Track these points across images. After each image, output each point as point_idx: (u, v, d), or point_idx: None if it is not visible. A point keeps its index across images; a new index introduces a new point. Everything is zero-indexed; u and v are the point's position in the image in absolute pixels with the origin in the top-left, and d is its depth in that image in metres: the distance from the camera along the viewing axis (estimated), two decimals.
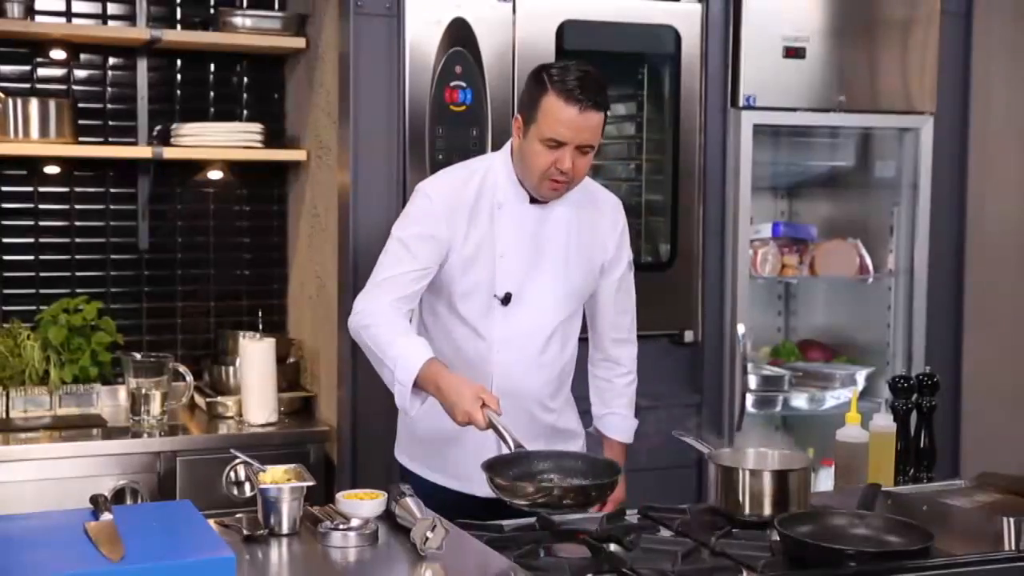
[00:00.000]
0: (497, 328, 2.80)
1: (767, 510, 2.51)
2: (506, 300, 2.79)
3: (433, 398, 2.61)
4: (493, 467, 2.44)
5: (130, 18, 3.96)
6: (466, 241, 2.77)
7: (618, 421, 3.04)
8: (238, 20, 3.86)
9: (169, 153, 3.82)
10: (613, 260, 2.94)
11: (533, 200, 2.81)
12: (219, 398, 3.79)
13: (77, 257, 3.99)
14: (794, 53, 3.96)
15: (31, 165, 3.91)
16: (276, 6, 4.14)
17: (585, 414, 3.06)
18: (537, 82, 2.71)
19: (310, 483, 2.37)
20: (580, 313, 2.95)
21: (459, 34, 3.56)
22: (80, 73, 3.97)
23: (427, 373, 2.59)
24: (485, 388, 2.58)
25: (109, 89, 3.99)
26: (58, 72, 3.95)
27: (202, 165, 4.07)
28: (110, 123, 3.99)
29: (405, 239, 2.76)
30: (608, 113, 2.74)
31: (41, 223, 3.95)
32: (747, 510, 2.52)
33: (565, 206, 2.84)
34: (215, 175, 4.10)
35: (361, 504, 2.37)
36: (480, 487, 2.63)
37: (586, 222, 2.88)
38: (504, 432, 2.49)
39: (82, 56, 3.96)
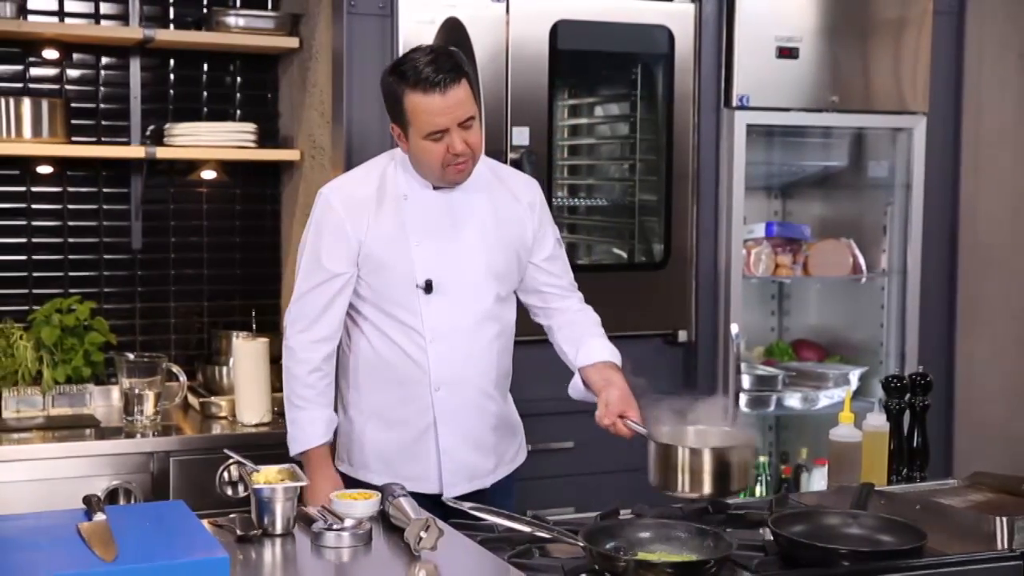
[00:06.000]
0: (428, 318, 2.78)
1: (707, 488, 2.49)
2: (428, 288, 2.76)
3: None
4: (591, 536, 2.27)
5: (123, 18, 3.96)
6: (375, 234, 2.76)
7: (601, 343, 2.87)
8: (231, 20, 3.86)
9: (162, 153, 3.82)
10: (538, 240, 2.91)
11: (436, 187, 2.80)
12: (212, 398, 3.79)
13: (70, 257, 3.98)
14: (787, 53, 3.97)
15: (24, 165, 3.90)
16: (269, 6, 4.14)
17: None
18: (392, 88, 2.70)
19: (303, 483, 2.37)
20: (512, 300, 2.92)
21: (452, 34, 3.56)
22: (73, 73, 3.96)
23: (314, 455, 2.82)
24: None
25: (102, 89, 3.99)
26: (51, 72, 3.94)
27: (195, 165, 4.07)
28: (103, 123, 3.99)
29: (317, 249, 2.79)
30: (469, 73, 2.71)
31: (34, 223, 3.95)
32: (687, 488, 2.50)
33: (476, 191, 2.83)
34: (208, 175, 4.10)
35: (355, 504, 2.37)
36: (436, 486, 2.76)
37: (501, 206, 2.86)
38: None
39: (75, 56, 3.96)
